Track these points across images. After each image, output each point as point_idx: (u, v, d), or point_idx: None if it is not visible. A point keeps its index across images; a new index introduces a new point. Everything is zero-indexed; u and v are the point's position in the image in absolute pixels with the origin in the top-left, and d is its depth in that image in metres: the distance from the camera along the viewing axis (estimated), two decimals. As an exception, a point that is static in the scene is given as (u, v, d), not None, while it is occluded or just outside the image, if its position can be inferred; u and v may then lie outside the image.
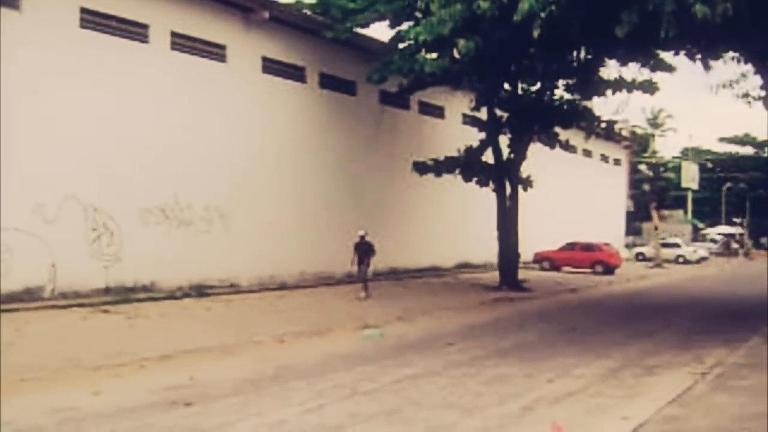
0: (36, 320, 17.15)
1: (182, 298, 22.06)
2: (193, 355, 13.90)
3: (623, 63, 28.01)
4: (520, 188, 30.32)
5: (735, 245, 76.00)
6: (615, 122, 35.37)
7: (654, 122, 75.94)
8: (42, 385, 11.12)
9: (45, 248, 20.08)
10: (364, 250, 24.35)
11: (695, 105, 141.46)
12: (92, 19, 21.52)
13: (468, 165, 30.05)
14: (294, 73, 28.41)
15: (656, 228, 54.67)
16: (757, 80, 23.65)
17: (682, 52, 23.64)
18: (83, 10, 21.28)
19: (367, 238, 24.45)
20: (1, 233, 19.06)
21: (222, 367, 12.95)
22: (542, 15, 17.39)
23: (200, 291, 23.15)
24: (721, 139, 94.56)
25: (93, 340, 14.87)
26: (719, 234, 78.87)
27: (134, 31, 22.67)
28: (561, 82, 30.74)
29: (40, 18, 20.21)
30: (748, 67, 23.53)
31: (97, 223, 21.58)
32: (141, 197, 22.64)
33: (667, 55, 27.36)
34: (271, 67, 27.36)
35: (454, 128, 37.31)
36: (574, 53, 27.63)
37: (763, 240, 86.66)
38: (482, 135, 30.95)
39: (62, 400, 10.14)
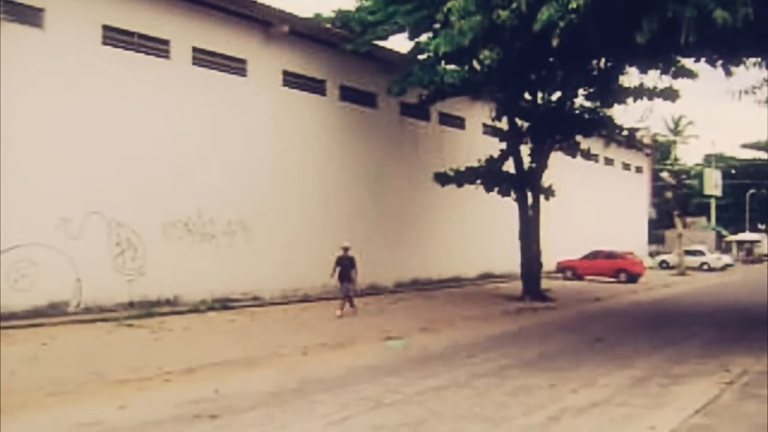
0: (61, 334, 17.28)
1: (206, 311, 22.16)
2: (218, 368, 13.92)
3: (644, 70, 27.89)
4: (541, 197, 30.21)
5: (761, 252, 75.24)
6: (636, 130, 35.26)
7: (675, 129, 75.59)
8: (67, 399, 11.19)
9: (69, 263, 20.24)
10: (346, 264, 22.23)
11: (717, 111, 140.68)
12: (114, 36, 21.73)
13: (489, 175, 30.00)
14: (314, 86, 28.52)
15: (680, 235, 54.30)
16: (780, 85, 23.50)
17: (703, 59, 23.52)
18: (105, 27, 21.49)
19: (350, 252, 22.45)
20: (27, 249, 19.25)
21: (246, 380, 12.97)
22: (561, 24, 17.36)
23: (224, 304, 23.23)
24: (744, 146, 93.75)
25: (118, 354, 14.96)
26: (739, 241, 78.16)
27: (156, 47, 22.86)
28: (581, 91, 30.63)
29: (63, 35, 20.44)
30: (770, 73, 23.38)
31: (121, 237, 21.72)
32: (164, 212, 22.78)
33: (688, 62, 27.21)
34: (291, 80, 27.48)
35: (475, 138, 37.29)
36: (594, 61, 27.55)
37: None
38: (503, 145, 30.88)
39: (87, 414, 10.20)
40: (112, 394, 11.47)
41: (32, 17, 19.85)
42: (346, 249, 22.41)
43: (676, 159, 68.11)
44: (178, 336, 17.68)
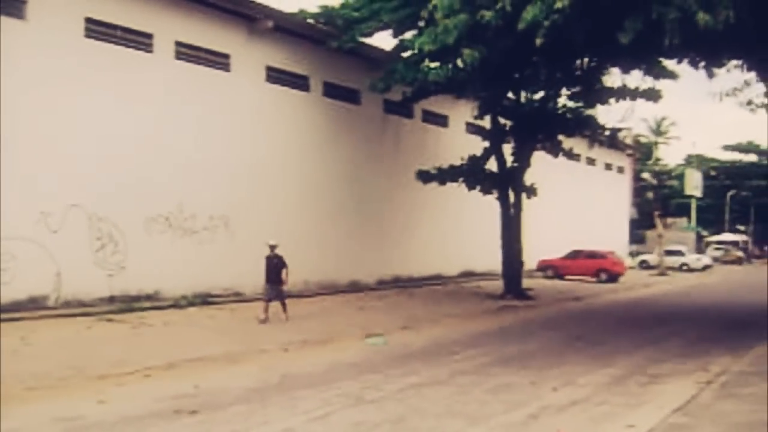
0: (41, 329, 17.20)
1: (186, 306, 22.10)
2: (198, 363, 13.90)
3: (626, 71, 28.03)
4: (523, 196, 30.30)
5: (739, 253, 75.77)
6: (619, 130, 35.38)
7: (657, 130, 75.97)
8: (47, 393, 11.15)
9: (49, 257, 20.14)
10: (275, 264, 20.14)
11: (699, 113, 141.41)
12: (97, 29, 21.61)
13: (471, 173, 30.07)
14: (298, 82, 28.47)
15: (660, 236, 54.57)
16: (761, 88, 23.66)
17: (686, 60, 23.64)
18: (88, 20, 21.37)
19: (278, 250, 20.35)
20: (7, 242, 19.12)
21: (227, 376, 12.95)
22: (546, 23, 17.43)
23: (204, 299, 23.18)
24: (725, 147, 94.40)
25: (98, 349, 14.89)
26: (719, 242, 78.69)
27: (139, 40, 22.76)
28: (564, 91, 30.74)
29: (46, 27, 20.31)
30: (752, 75, 23.52)
31: (102, 232, 21.62)
32: (145, 206, 22.69)
33: (670, 63, 27.37)
34: (275, 76, 27.43)
35: (458, 137, 37.36)
36: (578, 61, 27.64)
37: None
38: (486, 143, 30.96)
39: (67, 409, 10.16)
40: (92, 389, 11.43)
41: (15, 9, 19.71)
42: (273, 247, 20.32)
43: (657, 159, 68.28)
44: (159, 331, 17.63)
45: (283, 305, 20.16)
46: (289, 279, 20.32)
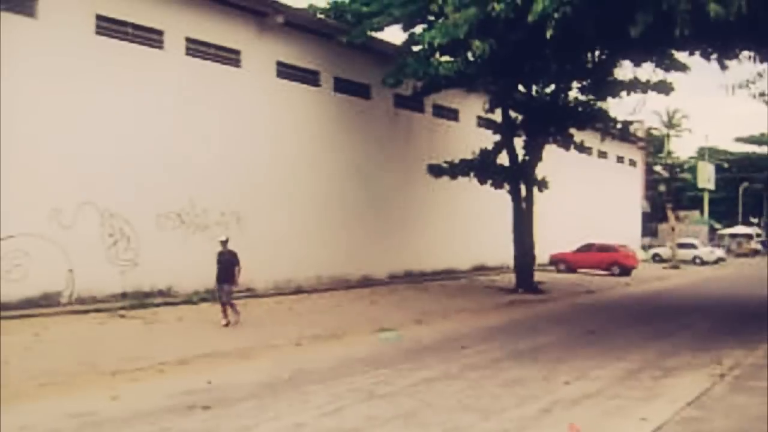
0: (54, 325, 17.26)
1: (199, 302, 22.12)
2: (211, 359, 13.93)
3: (637, 63, 27.92)
4: (535, 190, 30.25)
5: (754, 245, 75.36)
6: (630, 123, 35.22)
7: (670, 123, 75.69)
8: (60, 389, 11.19)
9: (62, 254, 20.20)
10: (226, 261, 18.30)
11: (711, 105, 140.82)
12: (107, 26, 21.65)
13: (483, 167, 30.03)
14: (308, 77, 28.46)
15: (672, 229, 54.43)
16: (774, 79, 23.53)
17: (697, 52, 23.54)
18: (99, 17, 21.41)
19: (230, 246, 18.58)
20: (19, 239, 19.20)
21: (239, 371, 12.98)
22: (556, 16, 17.39)
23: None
24: (738, 139, 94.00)
25: (110, 345, 14.96)
26: (732, 235, 78.33)
27: (149, 37, 22.78)
28: (575, 84, 30.65)
29: (56, 25, 20.34)
30: (765, 66, 23.39)
31: (114, 228, 21.68)
32: (157, 202, 22.73)
33: (681, 55, 27.25)
34: (285, 71, 27.42)
35: (469, 131, 37.30)
36: (588, 54, 27.55)
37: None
38: (497, 137, 30.91)
39: (80, 405, 10.19)
40: (105, 385, 11.46)
41: (25, 6, 19.75)
42: (224, 243, 18.51)
43: (669, 152, 68.07)
44: (172, 327, 17.68)
45: (232, 307, 18.28)
46: (240, 278, 18.59)
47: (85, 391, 11.18)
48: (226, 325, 17.80)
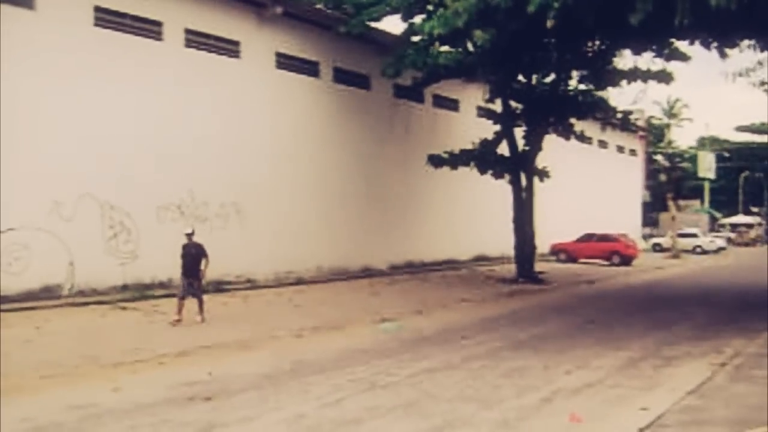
0: (55, 318, 17.30)
1: (199, 294, 22.11)
2: (212, 350, 13.94)
3: (637, 52, 27.84)
4: (535, 180, 30.22)
5: (755, 234, 75.30)
6: (630, 113, 35.18)
7: (670, 112, 75.59)
8: (61, 381, 11.20)
9: (63, 246, 20.21)
10: (192, 254, 17.24)
11: (711, 94, 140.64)
12: (106, 18, 21.60)
13: (483, 157, 30.00)
14: (308, 68, 28.42)
15: (673, 218, 54.39)
16: (774, 68, 23.49)
17: (698, 41, 23.47)
18: (97, 9, 21.37)
19: (195, 238, 17.47)
20: (20, 232, 19.22)
21: (240, 363, 12.99)
22: (556, 5, 17.35)
23: (217, 287, 23.18)
24: (738, 128, 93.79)
25: (111, 337, 14.96)
26: (732, 224, 78.28)
27: (148, 28, 22.74)
28: (575, 73, 30.60)
29: (55, 17, 20.31)
30: (765, 55, 23.36)
31: (114, 220, 21.69)
32: (157, 194, 22.73)
33: (682, 44, 27.18)
34: (284, 62, 27.39)
35: (469, 121, 37.27)
36: (589, 43, 27.50)
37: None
38: (497, 127, 30.86)
39: (82, 397, 10.21)
40: (106, 377, 11.47)
41: (24, -1, 19.74)
42: (190, 235, 17.39)
43: (670, 142, 68.00)
44: (172, 319, 17.65)
45: (200, 303, 17.34)
46: (207, 272, 17.57)
47: (86, 383, 11.19)
48: (177, 323, 16.47)
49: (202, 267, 17.26)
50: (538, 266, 30.95)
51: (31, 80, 19.67)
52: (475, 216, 37.44)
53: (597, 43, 27.59)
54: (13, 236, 19.14)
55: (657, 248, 57.12)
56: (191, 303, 17.05)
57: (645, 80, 30.13)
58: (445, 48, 26.52)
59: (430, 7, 26.03)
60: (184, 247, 17.37)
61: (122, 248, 21.83)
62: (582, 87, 31.75)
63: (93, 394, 10.37)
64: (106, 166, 21.29)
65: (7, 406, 9.59)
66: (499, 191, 31.70)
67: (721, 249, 59.43)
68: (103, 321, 17.24)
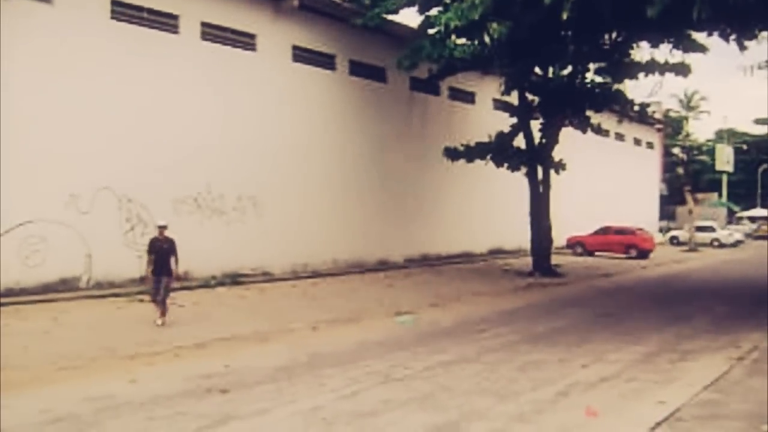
0: (72, 310, 17.41)
1: (216, 286, 22.22)
2: (228, 343, 14.00)
3: (655, 45, 27.66)
4: (552, 173, 30.10)
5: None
6: (648, 105, 34.93)
7: (688, 105, 75.11)
8: (79, 373, 11.27)
9: (80, 239, 20.31)
10: (165, 250, 15.91)
11: (729, 86, 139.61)
12: (123, 11, 21.66)
13: (499, 150, 29.88)
14: (324, 61, 28.40)
15: (690, 211, 54.10)
16: (793, 59, 23.27)
17: (716, 33, 23.30)
18: (114, 2, 21.42)
19: (167, 233, 16.14)
20: (38, 224, 19.33)
21: (256, 355, 13.03)
22: (572, -3, 17.26)
23: (234, 279, 23.30)
24: (757, 121, 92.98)
25: (128, 329, 15.03)
26: (751, 218, 77.71)
27: (164, 22, 22.78)
28: (592, 66, 30.42)
29: (72, 11, 20.37)
30: (784, 47, 23.16)
31: (131, 213, 21.77)
32: (174, 187, 22.81)
33: (699, 36, 26.98)
34: (301, 55, 27.37)
35: (485, 113, 37.15)
36: (605, 35, 27.34)
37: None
38: (513, 120, 30.75)
39: (99, 389, 10.27)
40: (123, 369, 11.54)
41: (41, -8, 19.81)
42: (162, 229, 16.09)
43: (687, 134, 67.57)
44: (188, 311, 17.74)
45: (163, 304, 15.82)
46: (179, 269, 16.45)
47: (103, 374, 11.26)
48: (162, 324, 15.51)
49: (172, 265, 15.92)
50: (555, 259, 30.86)
51: (50, 73, 19.75)
52: (491, 209, 37.37)
53: (614, 35, 27.42)
54: (31, 229, 19.25)
55: (674, 241, 56.82)
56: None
57: (663, 72, 29.91)
58: (461, 40, 26.39)
59: (446, 0, 25.94)
60: (154, 242, 16.04)
61: (139, 241, 21.87)
62: (599, 79, 31.58)
63: (110, 386, 10.43)
64: (123, 159, 21.37)
65: (25, 397, 9.68)
66: (515, 184, 31.63)
67: (739, 242, 59.03)
68: (120, 313, 17.33)
